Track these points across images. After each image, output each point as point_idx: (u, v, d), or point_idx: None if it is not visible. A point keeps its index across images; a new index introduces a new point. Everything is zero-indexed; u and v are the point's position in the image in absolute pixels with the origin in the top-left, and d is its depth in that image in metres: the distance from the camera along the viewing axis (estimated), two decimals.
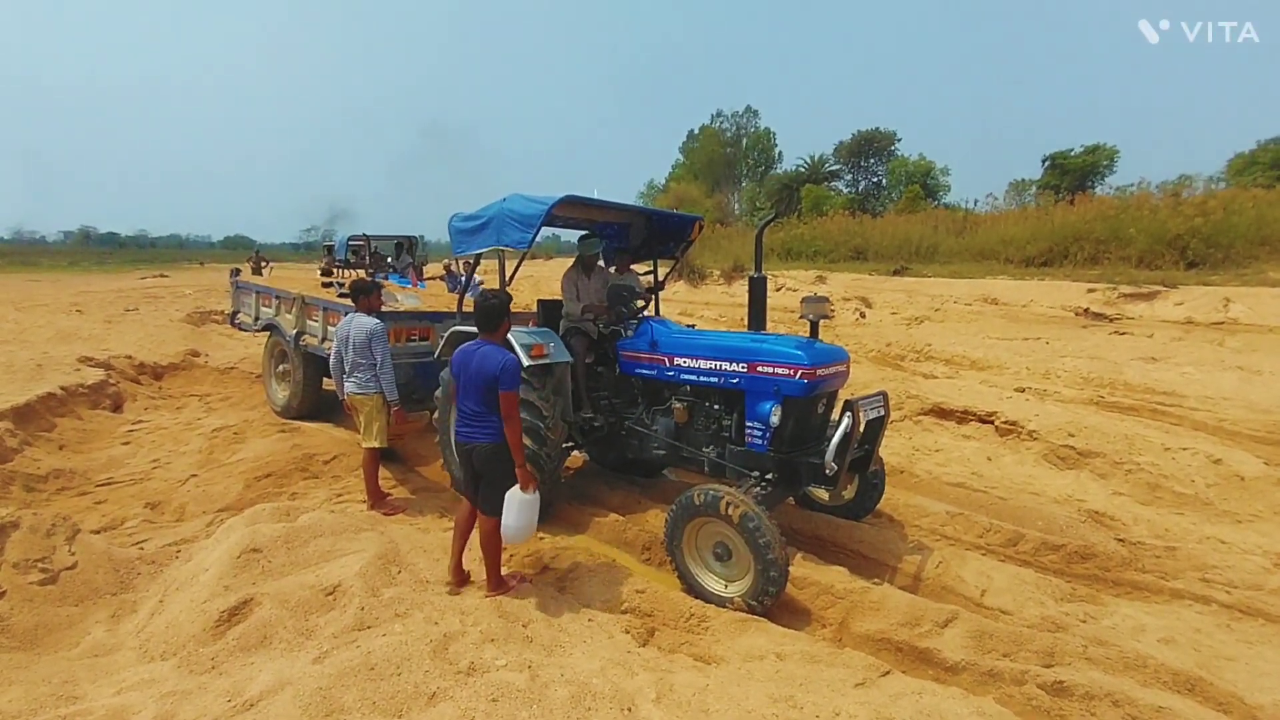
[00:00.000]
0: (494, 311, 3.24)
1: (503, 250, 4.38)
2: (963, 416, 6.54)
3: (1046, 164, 28.47)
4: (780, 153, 49.31)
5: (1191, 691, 2.72)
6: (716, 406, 4.15)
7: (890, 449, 5.77)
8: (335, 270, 11.40)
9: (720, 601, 3.35)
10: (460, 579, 3.31)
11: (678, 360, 4.25)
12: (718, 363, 4.01)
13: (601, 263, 5.52)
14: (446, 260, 14.21)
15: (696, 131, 51.13)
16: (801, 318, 3.84)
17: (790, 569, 3.33)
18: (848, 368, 4.06)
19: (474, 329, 4.44)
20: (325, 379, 6.44)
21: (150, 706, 2.32)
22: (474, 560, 3.43)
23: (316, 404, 6.83)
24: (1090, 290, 12.90)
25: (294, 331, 6.39)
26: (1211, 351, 8.76)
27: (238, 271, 9.03)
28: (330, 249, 14.37)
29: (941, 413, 6.69)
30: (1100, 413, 6.52)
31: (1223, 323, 10.75)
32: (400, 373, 4.72)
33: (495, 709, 2.30)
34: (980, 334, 11.09)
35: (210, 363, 9.21)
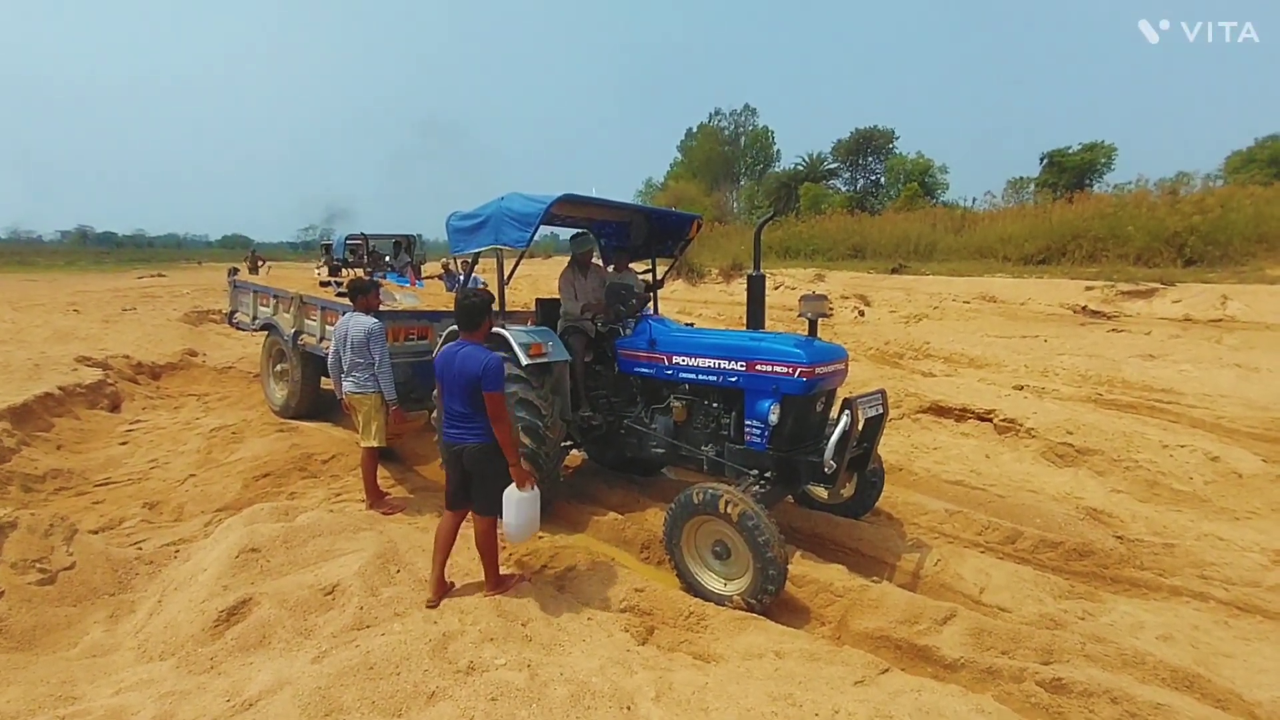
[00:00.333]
0: (474, 310, 3.19)
1: (501, 249, 4.37)
2: (961, 414, 6.55)
3: (1045, 162, 28.47)
4: (778, 151, 49.39)
5: (1189, 688, 2.72)
6: (715, 405, 4.15)
7: (889, 447, 5.77)
8: (340, 270, 11.32)
9: (719, 600, 3.36)
10: (441, 592, 3.18)
11: (676, 359, 4.25)
12: (716, 361, 4.01)
13: (600, 261, 5.52)
14: (445, 259, 14.20)
15: (695, 130, 51.14)
16: (800, 316, 3.84)
17: (789, 567, 3.34)
18: (846, 366, 4.07)
19: None
20: (323, 378, 6.42)
21: (149, 707, 2.32)
22: (472, 560, 3.42)
23: (315, 403, 6.82)
24: (1088, 288, 12.92)
25: (292, 331, 6.38)
26: (1209, 349, 8.77)
27: (235, 271, 9.03)
28: (328, 248, 14.35)
29: (940, 410, 6.70)
30: (1098, 410, 6.53)
31: (1220, 320, 10.77)
32: (399, 372, 4.72)
33: (494, 708, 2.30)
34: (978, 332, 11.10)
35: (208, 362, 9.19)
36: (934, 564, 3.83)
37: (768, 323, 4.48)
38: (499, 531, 3.26)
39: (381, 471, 5.01)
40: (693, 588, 3.50)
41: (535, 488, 3.24)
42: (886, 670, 2.77)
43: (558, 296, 5.08)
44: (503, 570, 3.47)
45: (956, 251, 19.32)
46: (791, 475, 3.82)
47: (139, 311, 15.27)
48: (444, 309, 6.04)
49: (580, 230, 5.16)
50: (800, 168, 38.83)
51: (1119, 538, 4.21)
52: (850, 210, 27.93)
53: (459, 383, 3.07)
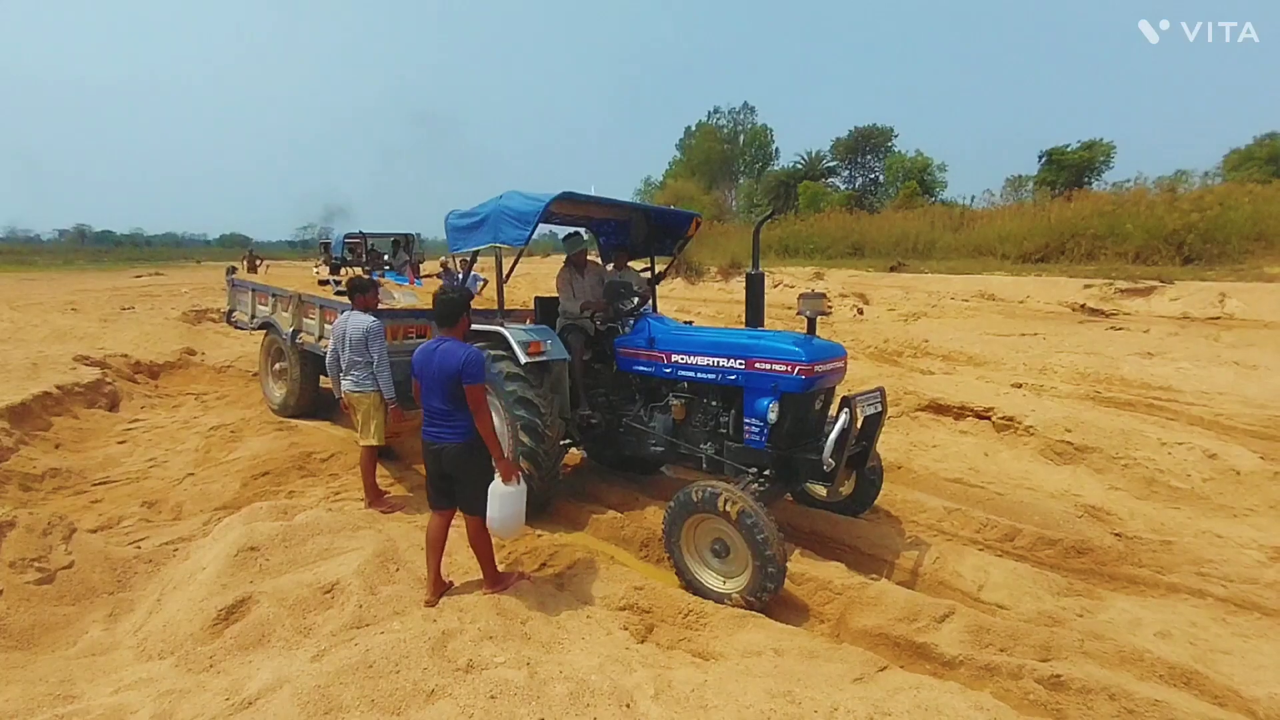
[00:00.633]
0: (452, 306, 3.17)
1: (499, 247, 4.37)
2: (960, 412, 6.56)
3: (1043, 160, 28.52)
4: (777, 149, 49.44)
5: (1188, 685, 2.73)
6: (714, 403, 4.15)
7: (887, 445, 5.78)
8: (340, 269, 11.30)
9: (718, 598, 3.36)
10: (439, 591, 3.18)
11: (675, 357, 4.25)
12: (715, 359, 4.01)
13: (599, 259, 5.51)
14: (443, 258, 14.19)
15: (694, 128, 51.13)
16: (799, 314, 3.84)
17: (788, 565, 3.34)
18: (845, 364, 4.07)
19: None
20: (322, 377, 6.42)
21: (148, 705, 2.32)
22: (471, 559, 3.42)
23: (314, 402, 6.81)
24: (1087, 286, 12.94)
25: (290, 329, 6.37)
26: (1207, 346, 8.79)
27: (234, 269, 9.02)
28: (327, 246, 14.35)
29: (938, 408, 6.70)
30: (1097, 408, 6.53)
31: (1219, 318, 10.79)
32: (397, 370, 4.71)
33: (494, 706, 2.30)
34: (977, 330, 11.11)
35: (207, 361, 9.18)
36: (932, 561, 3.84)
37: (766, 321, 4.48)
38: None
39: (380, 470, 5.01)
40: (692, 586, 3.50)
41: (520, 482, 3.18)
42: (885, 667, 2.77)
43: (556, 295, 5.08)
44: (502, 568, 3.48)
45: (955, 250, 19.36)
46: (790, 473, 3.82)
47: (137, 310, 15.25)
48: None
49: (573, 231, 5.16)
50: (799, 166, 38.88)
51: (1117, 535, 4.22)
52: (849, 208, 27.97)
53: (439, 379, 3.04)
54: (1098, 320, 11.61)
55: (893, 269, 18.22)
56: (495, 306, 4.92)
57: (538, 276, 21.27)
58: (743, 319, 4.45)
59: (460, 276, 5.61)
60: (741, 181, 48.03)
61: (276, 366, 7.03)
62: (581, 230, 5.30)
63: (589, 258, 5.22)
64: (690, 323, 5.14)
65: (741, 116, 51.03)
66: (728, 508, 3.22)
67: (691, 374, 4.17)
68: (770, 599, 3.23)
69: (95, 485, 5.00)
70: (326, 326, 5.89)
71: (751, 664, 2.80)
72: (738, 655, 2.91)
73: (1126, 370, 7.88)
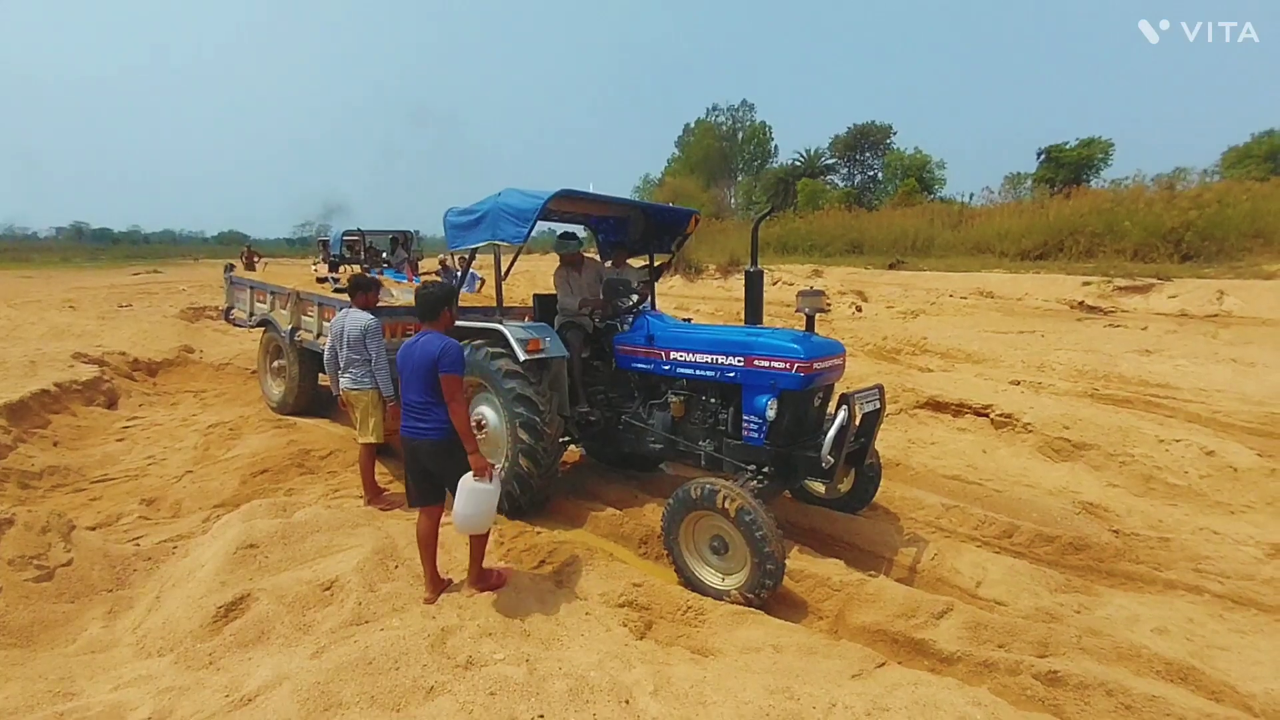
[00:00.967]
0: (434, 299, 3.18)
1: (498, 244, 4.37)
2: (958, 409, 6.57)
3: (1042, 157, 28.48)
4: (776, 146, 49.38)
5: (1184, 681, 2.74)
6: (713, 400, 4.16)
7: (886, 442, 5.78)
8: (338, 266, 11.25)
9: (717, 594, 3.37)
10: (438, 589, 3.18)
11: (674, 354, 4.25)
12: (714, 357, 4.01)
13: (598, 256, 5.51)
14: (442, 255, 14.17)
15: (692, 125, 51.06)
16: (797, 311, 3.84)
17: (787, 562, 3.34)
18: (844, 361, 4.07)
19: (467, 324, 4.45)
20: (321, 374, 6.42)
21: (147, 702, 2.33)
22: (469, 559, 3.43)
23: (312, 400, 6.81)
24: (1085, 283, 12.96)
25: (289, 327, 6.37)
26: (1205, 344, 8.81)
27: (232, 267, 8.99)
28: (325, 244, 14.32)
29: (937, 406, 6.71)
30: (1095, 405, 6.55)
31: (1216, 315, 10.82)
32: (395, 368, 4.71)
33: (493, 702, 2.30)
34: (976, 327, 11.12)
35: (205, 359, 9.18)
36: (931, 558, 3.85)
37: (765, 318, 4.48)
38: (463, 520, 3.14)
39: (379, 467, 5.01)
40: (690, 583, 3.51)
41: (495, 480, 3.08)
42: (883, 664, 2.78)
43: (555, 293, 5.08)
44: (501, 565, 3.48)
45: (954, 247, 19.37)
46: (789, 470, 3.83)
47: (135, 308, 15.23)
48: None
49: (566, 231, 5.15)
50: (798, 163, 38.86)
51: (1115, 532, 4.23)
52: (848, 206, 27.92)
53: (417, 369, 3.04)
54: (1096, 317, 11.64)
55: (891, 266, 18.22)
56: (494, 304, 4.91)
57: (537, 274, 21.23)
58: (741, 316, 4.45)
59: (459, 274, 5.61)
60: (740, 179, 48.00)
61: (275, 364, 7.03)
62: (574, 231, 5.28)
63: (586, 255, 5.21)
64: (689, 320, 5.14)
65: (740, 114, 51.00)
66: (726, 505, 3.23)
67: (690, 371, 4.17)
68: (769, 596, 3.23)
69: (94, 483, 5.00)
70: (325, 324, 5.89)
71: (750, 660, 2.81)
72: (736, 652, 2.92)
73: (1124, 367, 7.89)
